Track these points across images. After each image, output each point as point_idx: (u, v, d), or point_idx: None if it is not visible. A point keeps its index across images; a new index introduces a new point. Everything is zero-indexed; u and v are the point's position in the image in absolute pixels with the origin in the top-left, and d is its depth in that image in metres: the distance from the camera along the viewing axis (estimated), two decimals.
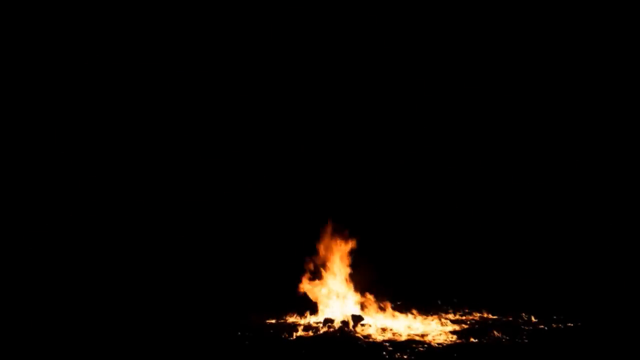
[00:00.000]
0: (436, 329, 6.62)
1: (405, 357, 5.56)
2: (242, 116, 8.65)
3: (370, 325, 6.68)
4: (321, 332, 6.55)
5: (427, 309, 7.31)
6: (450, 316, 7.24)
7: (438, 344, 6.04)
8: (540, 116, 8.71)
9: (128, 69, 8.46)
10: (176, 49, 8.54)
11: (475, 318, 7.18)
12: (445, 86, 8.57)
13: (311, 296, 7.23)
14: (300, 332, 6.46)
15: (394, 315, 7.03)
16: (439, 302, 7.65)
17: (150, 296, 7.45)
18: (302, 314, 7.17)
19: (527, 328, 6.59)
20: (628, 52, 8.29)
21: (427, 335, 6.36)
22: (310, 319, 7.09)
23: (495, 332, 6.25)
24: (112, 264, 8.06)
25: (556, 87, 8.62)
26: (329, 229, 7.30)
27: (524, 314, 7.16)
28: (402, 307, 7.23)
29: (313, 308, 7.21)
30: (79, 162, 8.40)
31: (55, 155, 8.29)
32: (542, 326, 6.66)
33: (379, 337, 6.27)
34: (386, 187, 8.86)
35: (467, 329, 6.63)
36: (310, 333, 6.46)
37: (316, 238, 7.40)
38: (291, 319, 7.11)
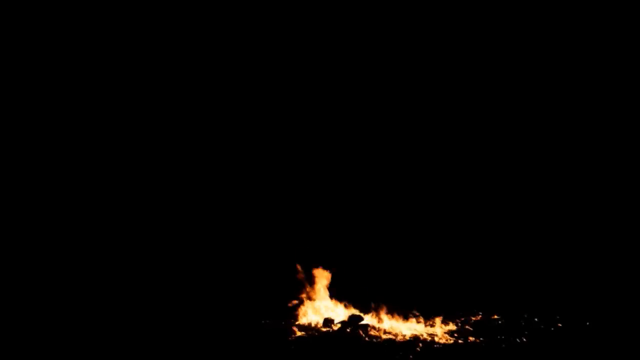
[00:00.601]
0: (437, 330, 6.61)
1: (404, 356, 5.56)
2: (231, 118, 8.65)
3: (369, 326, 6.67)
4: (321, 332, 6.55)
5: (426, 310, 7.28)
6: (451, 317, 7.21)
7: (439, 344, 6.04)
8: (541, 116, 8.70)
9: (128, 69, 8.46)
10: (176, 48, 8.54)
11: (476, 319, 7.16)
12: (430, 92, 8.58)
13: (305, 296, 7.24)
14: (299, 333, 6.46)
15: (393, 316, 7.02)
16: (440, 303, 7.62)
17: (143, 297, 7.43)
18: (296, 315, 7.13)
19: (527, 328, 6.57)
20: (628, 52, 8.28)
21: (426, 335, 6.35)
22: (309, 320, 7.07)
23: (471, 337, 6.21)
24: (106, 266, 8.03)
25: (556, 87, 8.61)
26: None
27: (525, 315, 7.14)
28: (402, 308, 7.21)
29: (306, 309, 7.20)
30: (78, 162, 8.40)
31: (55, 155, 8.29)
32: (542, 326, 6.64)
33: (378, 337, 6.27)
34: (384, 188, 8.85)
35: (467, 329, 6.61)
36: (308, 334, 6.46)
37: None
38: (287, 320, 7.07)
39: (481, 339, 6.17)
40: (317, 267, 7.50)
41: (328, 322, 6.76)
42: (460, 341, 6.14)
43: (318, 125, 8.74)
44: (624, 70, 8.33)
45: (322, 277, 7.38)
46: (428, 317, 7.04)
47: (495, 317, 7.19)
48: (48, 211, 8.15)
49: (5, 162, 8.05)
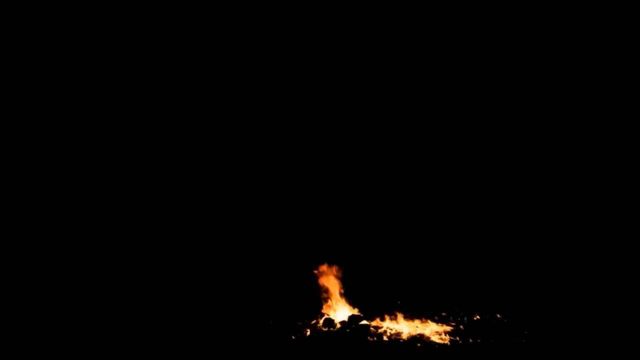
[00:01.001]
0: (437, 330, 6.62)
1: (405, 356, 5.58)
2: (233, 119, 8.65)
3: (369, 326, 6.69)
4: (321, 332, 6.56)
5: (426, 309, 7.29)
6: (451, 317, 7.22)
7: (439, 343, 6.05)
8: (540, 116, 8.70)
9: (128, 69, 8.46)
10: (176, 48, 8.54)
11: (476, 318, 7.17)
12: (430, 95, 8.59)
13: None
14: (299, 333, 6.48)
15: (393, 316, 7.03)
16: (440, 303, 7.63)
17: (148, 297, 7.43)
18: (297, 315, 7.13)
19: (527, 328, 6.58)
20: (628, 52, 8.28)
21: (426, 335, 6.37)
22: (309, 321, 7.08)
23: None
24: (109, 265, 8.03)
25: (556, 87, 8.61)
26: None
27: (523, 314, 7.14)
28: (402, 308, 7.22)
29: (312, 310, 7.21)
30: (78, 162, 8.40)
31: (54, 155, 8.29)
32: (542, 326, 6.65)
33: (379, 337, 6.28)
34: (385, 188, 8.86)
35: (467, 329, 6.63)
36: (309, 334, 6.48)
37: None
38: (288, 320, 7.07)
39: (481, 339, 6.19)
40: (319, 266, 7.53)
41: (328, 322, 6.78)
42: (460, 341, 6.16)
43: (323, 126, 8.75)
44: (624, 70, 8.33)
45: (327, 278, 7.42)
46: (428, 317, 7.06)
47: (496, 316, 7.20)
48: (48, 211, 8.16)
49: (5, 162, 8.05)
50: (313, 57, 8.66)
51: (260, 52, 8.61)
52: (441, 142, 8.84)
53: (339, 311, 7.13)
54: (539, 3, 8.30)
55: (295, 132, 8.72)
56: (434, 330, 6.59)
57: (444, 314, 7.19)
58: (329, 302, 7.25)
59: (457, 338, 6.28)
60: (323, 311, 7.15)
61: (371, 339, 6.25)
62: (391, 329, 6.61)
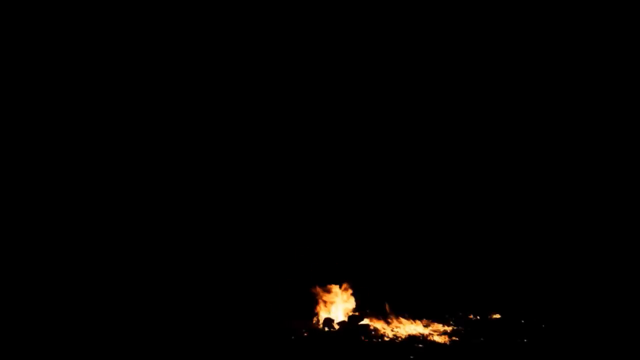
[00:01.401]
0: (436, 330, 6.63)
1: (404, 356, 5.58)
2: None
3: (369, 326, 6.69)
4: (321, 332, 6.56)
5: (425, 310, 7.29)
6: (451, 317, 7.22)
7: (438, 343, 6.05)
8: (540, 116, 8.71)
9: (128, 69, 8.46)
10: (176, 48, 8.55)
11: (476, 318, 7.17)
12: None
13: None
14: (299, 333, 6.48)
15: (393, 316, 7.03)
16: (439, 303, 7.64)
17: (148, 299, 7.42)
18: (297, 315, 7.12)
19: (527, 328, 6.59)
20: (628, 52, 8.29)
21: (426, 335, 6.37)
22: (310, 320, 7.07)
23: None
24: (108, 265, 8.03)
25: (556, 87, 8.62)
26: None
27: (523, 315, 7.15)
28: (402, 308, 7.22)
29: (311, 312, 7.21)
30: (78, 162, 8.40)
31: (54, 155, 8.30)
32: (542, 326, 6.66)
33: (378, 337, 6.28)
34: (385, 189, 8.86)
35: (467, 329, 6.63)
36: (309, 334, 6.48)
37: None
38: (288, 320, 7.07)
39: (481, 339, 6.19)
40: (318, 266, 7.54)
41: (328, 322, 6.78)
42: (459, 341, 6.16)
43: (324, 127, 8.77)
44: (624, 70, 8.34)
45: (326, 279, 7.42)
46: (428, 317, 7.06)
47: (495, 316, 7.20)
48: (48, 211, 8.16)
49: (5, 162, 8.05)
50: (314, 57, 8.67)
51: (260, 52, 8.62)
52: (443, 145, 8.85)
53: (339, 311, 7.13)
54: (539, 3, 8.31)
55: (297, 133, 8.73)
56: (433, 330, 6.60)
57: (443, 314, 7.21)
58: (329, 302, 7.24)
59: (457, 338, 6.27)
60: (322, 311, 7.14)
61: (371, 339, 6.25)
62: (391, 329, 6.61)
